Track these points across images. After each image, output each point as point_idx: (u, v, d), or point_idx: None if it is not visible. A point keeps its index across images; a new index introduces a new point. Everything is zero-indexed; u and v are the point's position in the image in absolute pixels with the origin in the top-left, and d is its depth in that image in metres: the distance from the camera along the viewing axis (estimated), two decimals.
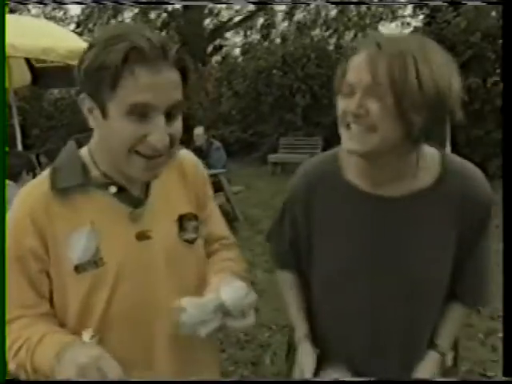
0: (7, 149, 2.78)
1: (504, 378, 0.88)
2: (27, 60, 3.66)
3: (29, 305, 0.91)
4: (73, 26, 15.59)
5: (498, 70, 7.27)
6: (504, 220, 0.94)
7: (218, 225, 1.12)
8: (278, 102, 9.80)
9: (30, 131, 11.95)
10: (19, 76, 3.52)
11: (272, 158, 8.94)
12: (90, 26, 16.08)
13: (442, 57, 0.85)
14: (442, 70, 0.83)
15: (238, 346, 2.85)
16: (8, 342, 0.89)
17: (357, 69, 0.85)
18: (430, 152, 0.96)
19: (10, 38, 2.57)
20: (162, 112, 0.82)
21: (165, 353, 0.97)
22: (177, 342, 0.96)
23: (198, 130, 6.03)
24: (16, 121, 3.40)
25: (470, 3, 6.73)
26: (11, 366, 0.89)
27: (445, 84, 0.83)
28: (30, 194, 0.92)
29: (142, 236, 0.94)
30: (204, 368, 1.05)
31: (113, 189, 0.93)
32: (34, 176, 2.91)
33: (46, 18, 14.30)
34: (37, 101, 12.57)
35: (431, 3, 7.39)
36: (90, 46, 0.83)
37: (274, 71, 9.79)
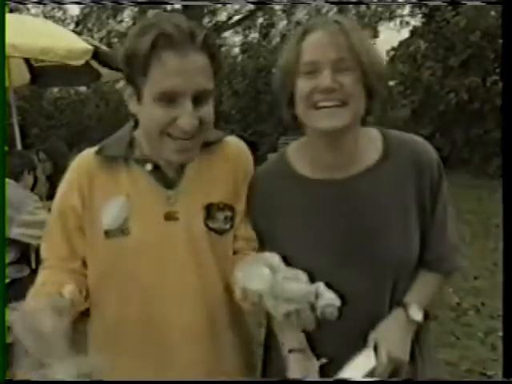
0: (6, 148, 2.77)
1: (504, 378, 0.88)
2: (26, 59, 3.66)
3: (62, 257, 0.99)
4: (72, 26, 15.58)
5: (498, 69, 7.27)
6: (504, 220, 0.94)
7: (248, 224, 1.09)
8: (277, 102, 9.80)
9: (30, 130, 11.94)
10: (18, 75, 3.52)
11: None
12: (89, 25, 16.07)
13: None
14: (377, 51, 0.92)
15: None
16: (36, 284, 0.95)
17: (319, 46, 0.86)
18: (369, 131, 0.98)
19: (9, 37, 2.57)
20: (189, 96, 0.85)
21: (182, 331, 0.97)
22: (195, 323, 0.97)
23: None
24: (15, 120, 3.39)
25: (469, 3, 6.74)
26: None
27: (382, 62, 0.94)
28: (81, 156, 1.01)
29: (169, 216, 0.96)
30: (228, 345, 1.03)
31: (148, 166, 0.97)
32: (35, 176, 2.91)
33: (45, 18, 14.29)
34: (36, 100, 12.58)
35: (430, 3, 7.38)
36: (127, 36, 0.89)
37: (273, 70, 9.80)
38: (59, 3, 13.46)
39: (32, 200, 2.45)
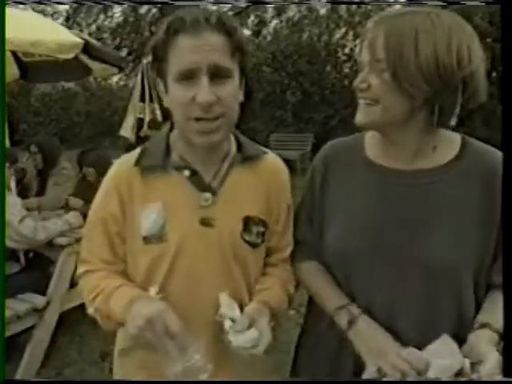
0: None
1: (504, 378, 0.85)
2: (14, 54, 3.62)
3: (107, 260, 1.02)
4: (61, 20, 15.39)
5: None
6: (504, 220, 0.92)
7: (286, 239, 1.12)
8: (268, 99, 9.80)
9: (18, 126, 11.80)
10: (7, 71, 3.48)
11: None
12: (79, 20, 15.88)
13: (451, 30, 0.85)
14: (449, 43, 0.84)
15: None
16: (87, 289, 1.01)
17: (363, 47, 0.92)
18: (449, 134, 0.98)
19: None
20: (205, 72, 0.87)
21: (209, 337, 0.97)
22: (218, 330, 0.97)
23: None
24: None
25: (468, 3, 6.78)
26: (89, 310, 1.01)
27: (451, 58, 0.84)
28: (120, 165, 1.04)
29: (205, 222, 0.98)
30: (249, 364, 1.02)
31: (186, 172, 0.99)
32: (18, 170, 2.87)
33: (34, 11, 14.09)
34: (24, 96, 12.41)
35: (429, 3, 7.42)
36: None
37: (265, 68, 9.79)
38: (59, 3, 13.30)
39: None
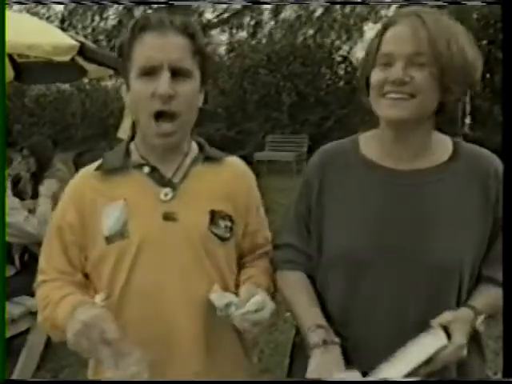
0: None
1: (504, 378, 0.88)
2: (9, 55, 3.60)
3: (62, 270, 1.01)
4: (57, 23, 15.35)
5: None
6: (504, 220, 0.94)
7: (262, 237, 1.15)
8: (263, 100, 9.82)
9: (12, 127, 11.74)
10: None
11: (258, 156, 8.95)
12: (74, 22, 15.83)
13: (469, 37, 0.92)
14: (472, 47, 0.91)
15: None
16: (40, 299, 1.01)
17: (398, 38, 0.89)
18: (440, 136, 1.00)
19: None
20: (166, 69, 0.90)
21: (182, 333, 0.99)
22: (194, 324, 0.99)
23: None
24: None
25: (469, 3, 6.81)
26: (39, 318, 1.01)
27: (475, 58, 0.90)
28: (81, 173, 1.06)
29: (168, 216, 0.99)
30: (221, 349, 1.04)
31: (146, 169, 1.01)
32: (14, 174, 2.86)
33: (30, 14, 14.05)
34: (19, 97, 12.37)
35: (430, 3, 7.45)
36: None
37: (260, 69, 9.80)
38: (59, 3, 13.25)
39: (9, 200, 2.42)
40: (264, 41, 13.57)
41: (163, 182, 1.01)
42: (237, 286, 1.05)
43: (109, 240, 0.98)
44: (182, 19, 0.94)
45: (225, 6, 14.94)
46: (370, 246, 0.96)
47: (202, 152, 1.09)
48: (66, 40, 2.99)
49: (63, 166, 3.52)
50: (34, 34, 2.85)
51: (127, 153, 1.04)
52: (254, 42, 13.06)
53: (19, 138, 11.90)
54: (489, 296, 0.97)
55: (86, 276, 1.04)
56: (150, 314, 0.98)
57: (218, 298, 0.96)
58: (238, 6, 14.10)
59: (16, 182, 3.31)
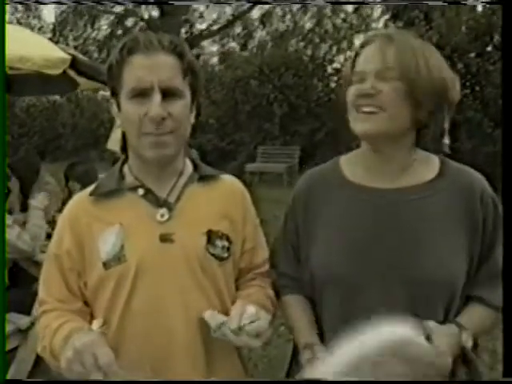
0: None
1: (504, 378, 0.88)
2: None
3: (62, 300, 1.00)
4: (48, 33, 15.34)
5: (468, 83, 7.48)
6: (504, 220, 0.96)
7: (259, 256, 1.13)
8: (255, 111, 9.85)
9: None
10: None
11: (250, 167, 8.96)
12: (65, 32, 15.82)
13: (439, 55, 0.97)
14: (442, 65, 0.95)
15: None
16: (40, 330, 1.00)
17: (368, 57, 0.94)
18: (426, 153, 1.01)
19: None
20: (157, 90, 0.90)
21: (182, 354, 0.98)
22: (194, 345, 0.98)
23: None
24: None
25: (468, 3, 6.92)
26: (39, 349, 1.01)
27: (446, 75, 0.94)
28: (75, 199, 1.05)
29: (165, 238, 0.98)
30: (221, 371, 1.03)
31: (140, 191, 1.00)
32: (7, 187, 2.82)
33: (20, 25, 14.03)
34: (9, 107, 12.28)
35: (430, 3, 7.55)
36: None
37: (252, 80, 9.85)
38: (59, 3, 13.21)
39: None
40: (255, 51, 13.68)
41: (159, 202, 1.00)
42: (226, 311, 1.03)
43: (106, 265, 0.97)
44: (171, 38, 0.94)
45: (215, 16, 15.04)
46: (358, 268, 0.96)
47: (197, 171, 1.08)
48: (57, 53, 2.97)
49: (52, 179, 3.48)
50: (26, 46, 2.83)
51: (121, 175, 1.03)
52: (245, 53, 13.15)
53: (9, 149, 11.80)
54: (476, 315, 0.97)
55: (86, 303, 1.03)
56: (151, 335, 0.97)
57: (212, 317, 0.95)
58: (229, 17, 14.19)
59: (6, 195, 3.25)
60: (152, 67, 0.90)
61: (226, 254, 1.02)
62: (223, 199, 1.07)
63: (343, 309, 0.99)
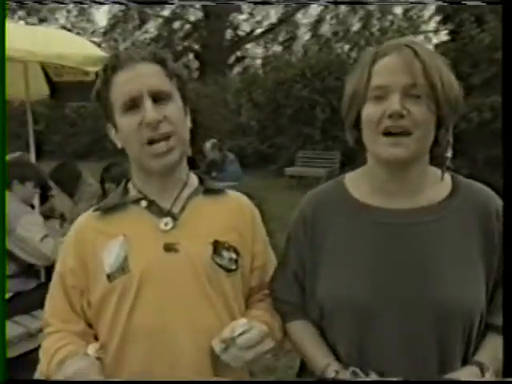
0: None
1: (504, 378, 0.85)
2: (45, 73, 3.71)
3: (65, 319, 1.00)
4: (100, 36, 15.99)
5: None
6: (504, 220, 0.89)
7: (270, 274, 1.09)
8: (296, 115, 9.77)
9: (49, 138, 12.20)
10: (36, 88, 3.55)
11: (289, 171, 8.88)
12: (115, 35, 16.44)
13: (450, 68, 0.89)
14: (453, 78, 0.88)
15: None
16: (42, 351, 0.99)
17: (391, 70, 0.84)
18: (438, 172, 0.94)
19: (26, 44, 2.59)
20: (147, 97, 0.92)
21: (188, 366, 0.94)
22: (202, 357, 0.94)
23: (209, 144, 6.01)
24: (31, 129, 3.43)
25: (469, 3, 6.63)
26: (36, 375, 1.02)
27: (458, 89, 0.88)
28: (80, 218, 1.06)
29: (169, 247, 0.96)
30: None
31: (143, 203, 1.00)
32: (43, 190, 2.87)
33: (74, 28, 14.68)
34: (60, 107, 12.80)
35: (431, 3, 7.34)
36: None
37: (294, 84, 9.77)
38: (59, 3, 13.73)
39: (24, 213, 2.41)
40: (299, 55, 13.60)
41: (162, 213, 0.99)
42: None
43: (111, 277, 0.95)
44: (150, 49, 0.96)
45: (259, 19, 15.09)
46: (370, 294, 0.89)
47: (202, 184, 1.07)
48: (95, 51, 3.05)
49: (94, 181, 3.53)
50: (65, 44, 2.92)
51: (125, 190, 1.05)
52: (288, 56, 13.10)
53: (58, 148, 12.34)
54: (496, 349, 0.88)
55: (90, 326, 1.02)
56: (156, 345, 0.94)
57: (217, 343, 0.91)
58: (274, 20, 14.22)
59: (44, 199, 3.31)
60: (137, 77, 0.92)
61: (233, 266, 0.99)
62: (231, 212, 1.05)
63: (356, 337, 0.92)
